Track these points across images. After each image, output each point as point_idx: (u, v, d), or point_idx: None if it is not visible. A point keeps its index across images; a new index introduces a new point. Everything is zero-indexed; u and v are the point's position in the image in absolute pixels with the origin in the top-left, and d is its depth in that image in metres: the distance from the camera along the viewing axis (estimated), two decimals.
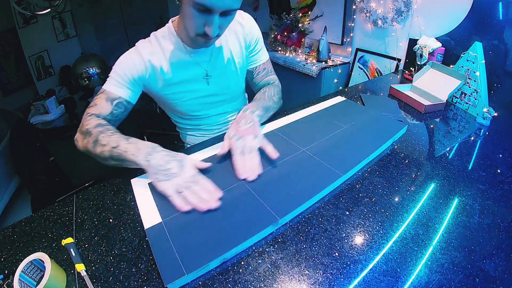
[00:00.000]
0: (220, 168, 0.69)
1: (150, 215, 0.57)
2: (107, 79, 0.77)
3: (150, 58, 0.78)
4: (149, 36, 0.81)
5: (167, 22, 0.82)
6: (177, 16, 0.79)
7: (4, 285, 0.47)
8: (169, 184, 0.60)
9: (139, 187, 0.65)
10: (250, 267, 0.47)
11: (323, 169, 0.66)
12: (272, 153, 0.70)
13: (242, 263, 0.48)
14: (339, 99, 1.04)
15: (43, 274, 0.44)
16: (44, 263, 0.45)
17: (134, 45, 0.80)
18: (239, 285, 0.45)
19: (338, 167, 0.66)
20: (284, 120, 0.91)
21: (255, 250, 0.50)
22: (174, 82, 0.82)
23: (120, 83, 0.76)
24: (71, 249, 0.51)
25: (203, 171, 0.67)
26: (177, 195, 0.59)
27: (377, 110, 0.97)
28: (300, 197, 0.58)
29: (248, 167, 0.66)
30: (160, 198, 0.60)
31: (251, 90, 1.04)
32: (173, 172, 0.61)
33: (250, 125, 0.74)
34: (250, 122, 0.75)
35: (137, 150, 0.62)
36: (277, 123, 0.88)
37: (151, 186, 0.64)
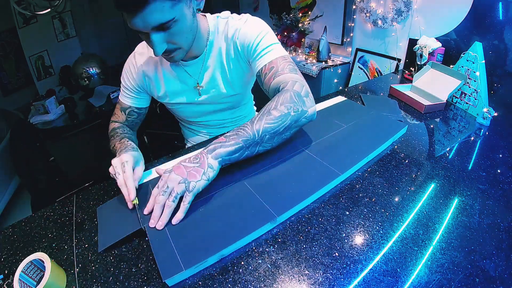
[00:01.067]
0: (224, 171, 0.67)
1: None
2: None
3: (144, 69, 0.81)
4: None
5: None
6: None
7: (4, 285, 0.47)
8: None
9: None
10: (250, 267, 0.47)
11: (322, 168, 0.66)
12: (176, 217, 0.54)
13: (242, 263, 0.48)
14: (340, 99, 1.04)
15: (43, 274, 0.44)
16: (44, 263, 0.45)
17: (134, 49, 0.84)
18: (239, 285, 0.45)
19: (337, 166, 0.66)
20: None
21: (255, 250, 0.50)
22: (168, 92, 0.84)
23: (126, 93, 0.85)
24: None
25: None
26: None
27: (377, 110, 0.97)
28: (299, 196, 0.58)
29: (156, 213, 0.54)
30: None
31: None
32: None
33: (195, 166, 0.57)
34: (197, 162, 0.58)
35: (120, 151, 0.68)
36: None
37: (151, 185, 0.64)
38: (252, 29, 0.74)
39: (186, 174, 0.55)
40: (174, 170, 0.56)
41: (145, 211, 0.56)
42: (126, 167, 0.61)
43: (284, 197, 0.58)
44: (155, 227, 0.53)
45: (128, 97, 0.85)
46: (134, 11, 0.56)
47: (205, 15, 0.78)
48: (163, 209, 0.54)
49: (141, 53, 0.81)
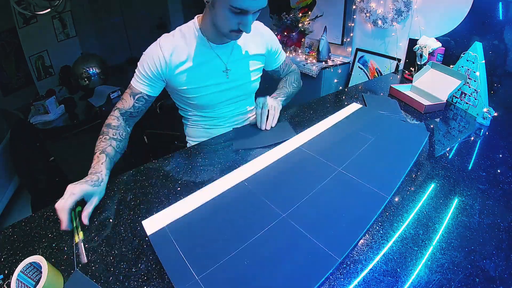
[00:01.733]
0: (256, 204, 0.59)
1: (180, 273, 0.47)
2: (134, 73, 0.86)
3: (171, 54, 0.82)
4: (171, 31, 0.86)
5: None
6: (201, 14, 0.85)
7: (4, 285, 0.47)
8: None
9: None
10: None
11: (367, 191, 0.61)
12: (268, 123, 0.90)
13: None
14: (355, 106, 1.01)
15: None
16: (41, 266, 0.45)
17: (157, 40, 0.85)
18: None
19: (381, 188, 0.61)
20: (306, 133, 0.85)
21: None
22: (195, 76, 0.87)
23: (141, 79, 0.84)
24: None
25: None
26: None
27: (394, 115, 0.97)
28: (354, 230, 0.52)
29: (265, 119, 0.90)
30: (191, 252, 0.50)
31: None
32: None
33: (272, 109, 0.91)
34: (273, 107, 0.92)
35: (91, 168, 0.69)
36: (300, 138, 0.83)
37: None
38: (272, 34, 1.01)
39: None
40: (267, 97, 0.93)
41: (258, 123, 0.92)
42: (68, 199, 0.58)
43: (339, 234, 0.51)
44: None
45: (143, 83, 0.85)
46: None
47: None
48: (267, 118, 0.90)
49: (167, 42, 0.83)
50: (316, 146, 0.78)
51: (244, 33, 0.81)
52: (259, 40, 0.95)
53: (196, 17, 0.87)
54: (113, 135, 0.79)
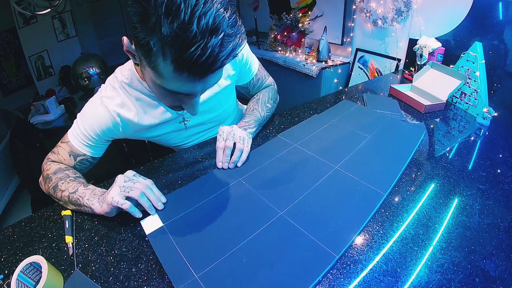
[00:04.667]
0: (253, 201, 0.60)
1: (179, 271, 0.47)
2: (73, 126, 0.71)
3: (118, 111, 0.69)
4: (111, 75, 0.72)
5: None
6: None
7: (4, 285, 0.47)
8: (105, 203, 0.55)
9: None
10: None
11: (363, 189, 0.61)
12: (242, 158, 0.71)
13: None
14: (350, 104, 1.01)
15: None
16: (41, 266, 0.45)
17: (97, 93, 0.72)
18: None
19: (377, 185, 0.61)
20: (301, 131, 0.85)
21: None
22: (149, 128, 0.75)
23: (85, 140, 0.70)
24: (67, 221, 0.58)
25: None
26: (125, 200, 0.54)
27: (390, 114, 0.97)
28: (351, 226, 0.52)
29: (224, 157, 0.70)
30: (190, 250, 0.50)
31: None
32: (107, 192, 0.56)
33: (241, 141, 0.71)
34: (241, 139, 0.71)
35: (93, 195, 0.59)
36: (297, 137, 0.82)
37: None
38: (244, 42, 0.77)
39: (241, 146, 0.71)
40: (233, 127, 0.72)
41: (218, 161, 0.70)
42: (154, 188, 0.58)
43: (336, 231, 0.52)
44: None
45: (87, 145, 0.71)
46: (202, 77, 0.47)
47: None
48: (230, 153, 0.69)
49: (111, 97, 0.69)
50: (313, 144, 0.78)
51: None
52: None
53: (131, 64, 0.68)
54: (74, 173, 0.68)
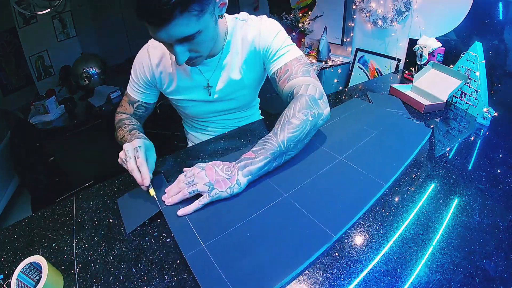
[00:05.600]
0: (261, 184, 0.63)
1: (188, 240, 0.51)
2: (130, 77, 0.84)
3: (157, 63, 0.79)
4: None
5: None
6: None
7: (4, 285, 0.47)
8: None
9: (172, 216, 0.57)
10: None
11: (365, 178, 0.63)
12: (184, 209, 0.56)
13: None
14: (359, 102, 1.03)
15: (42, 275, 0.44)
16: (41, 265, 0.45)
17: (145, 44, 0.81)
18: None
19: (379, 176, 0.63)
20: None
21: None
22: (177, 88, 0.83)
23: (136, 87, 0.83)
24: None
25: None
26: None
27: (396, 112, 0.97)
28: (350, 210, 0.55)
29: (172, 192, 0.59)
30: (199, 223, 0.54)
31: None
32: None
33: (224, 177, 0.58)
34: (228, 175, 0.59)
35: (130, 142, 0.65)
36: None
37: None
38: (270, 32, 0.77)
39: (214, 180, 0.58)
40: (206, 170, 0.59)
41: (164, 196, 0.60)
42: (139, 152, 0.61)
43: (336, 214, 0.54)
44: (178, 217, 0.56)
45: (138, 91, 0.83)
46: (158, 25, 0.55)
47: (223, 16, 0.76)
48: (179, 192, 0.59)
49: (155, 47, 0.79)
50: (320, 137, 0.80)
51: (234, 42, 0.77)
52: (256, 41, 0.78)
53: None
54: (130, 123, 0.79)
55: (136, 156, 0.61)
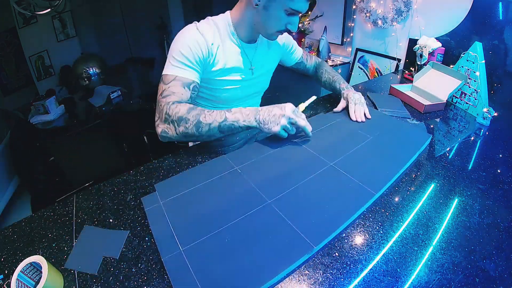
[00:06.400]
0: (245, 189, 0.63)
1: (167, 244, 0.51)
2: (171, 63, 0.77)
3: (211, 41, 0.81)
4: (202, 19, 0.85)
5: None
6: (236, 12, 0.84)
7: (4, 285, 0.47)
8: (279, 125, 0.72)
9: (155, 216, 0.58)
10: None
11: (354, 186, 0.61)
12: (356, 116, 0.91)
13: None
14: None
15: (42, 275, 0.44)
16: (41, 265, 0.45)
17: (190, 26, 0.81)
18: None
19: (369, 184, 0.61)
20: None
21: None
22: (226, 68, 0.86)
23: (190, 66, 0.77)
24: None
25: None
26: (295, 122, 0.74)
27: (396, 112, 0.97)
28: (335, 221, 0.53)
29: (358, 113, 0.90)
30: (180, 227, 0.54)
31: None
32: (278, 114, 0.72)
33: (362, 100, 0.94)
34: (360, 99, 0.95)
35: (246, 116, 0.73)
36: (297, 133, 0.82)
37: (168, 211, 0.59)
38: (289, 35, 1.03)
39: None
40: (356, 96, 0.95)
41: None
42: (298, 112, 0.76)
43: (319, 223, 0.53)
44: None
45: (191, 70, 0.78)
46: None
47: None
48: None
49: (206, 29, 0.80)
50: (312, 141, 0.79)
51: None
52: (280, 38, 0.98)
53: (228, 12, 0.86)
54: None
55: (299, 115, 0.75)
